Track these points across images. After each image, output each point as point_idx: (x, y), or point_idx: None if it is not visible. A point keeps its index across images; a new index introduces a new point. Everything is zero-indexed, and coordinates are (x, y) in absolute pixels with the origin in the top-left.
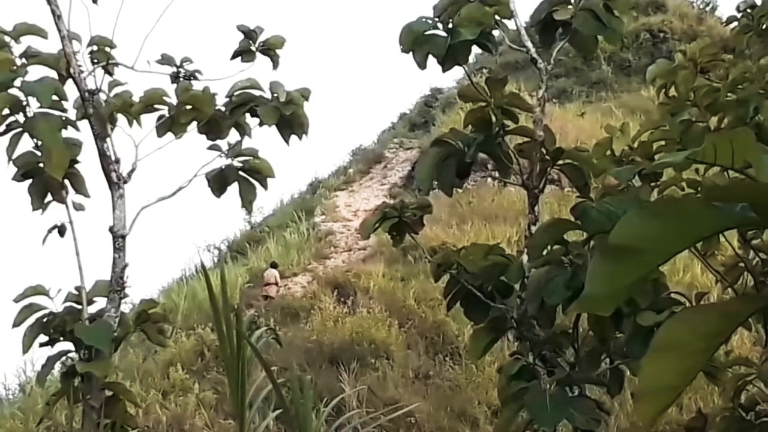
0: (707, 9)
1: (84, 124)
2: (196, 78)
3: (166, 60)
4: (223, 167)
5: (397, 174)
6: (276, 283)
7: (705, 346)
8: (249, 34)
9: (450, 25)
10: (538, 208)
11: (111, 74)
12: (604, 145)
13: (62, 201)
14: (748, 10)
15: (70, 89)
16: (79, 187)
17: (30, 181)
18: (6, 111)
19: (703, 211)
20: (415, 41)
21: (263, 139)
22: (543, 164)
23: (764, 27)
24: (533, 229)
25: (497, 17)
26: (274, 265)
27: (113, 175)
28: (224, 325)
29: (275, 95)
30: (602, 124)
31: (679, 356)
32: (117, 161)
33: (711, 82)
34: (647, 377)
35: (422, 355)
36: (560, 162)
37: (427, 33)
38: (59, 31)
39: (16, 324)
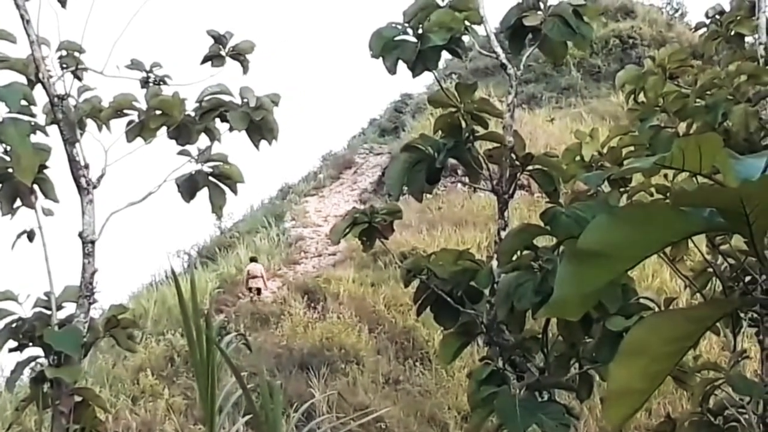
0: (676, 15)
1: (53, 129)
2: (165, 83)
3: (135, 65)
4: (193, 172)
5: (368, 179)
6: (262, 276)
7: (673, 351)
8: (219, 39)
9: (420, 31)
10: (508, 214)
11: (80, 79)
12: (574, 150)
13: (31, 206)
14: (717, 17)
15: (39, 94)
16: (48, 193)
17: None
18: None
19: (671, 217)
20: (385, 46)
21: (233, 144)
22: (512, 170)
23: (732, 33)
24: (503, 234)
25: (467, 23)
26: (254, 260)
27: (82, 180)
28: (194, 330)
29: (245, 100)
30: (572, 130)
31: (646, 361)
32: (86, 166)
33: (680, 88)
34: (615, 381)
35: (392, 360)
36: (530, 167)
37: (396, 38)
38: (28, 35)
39: None
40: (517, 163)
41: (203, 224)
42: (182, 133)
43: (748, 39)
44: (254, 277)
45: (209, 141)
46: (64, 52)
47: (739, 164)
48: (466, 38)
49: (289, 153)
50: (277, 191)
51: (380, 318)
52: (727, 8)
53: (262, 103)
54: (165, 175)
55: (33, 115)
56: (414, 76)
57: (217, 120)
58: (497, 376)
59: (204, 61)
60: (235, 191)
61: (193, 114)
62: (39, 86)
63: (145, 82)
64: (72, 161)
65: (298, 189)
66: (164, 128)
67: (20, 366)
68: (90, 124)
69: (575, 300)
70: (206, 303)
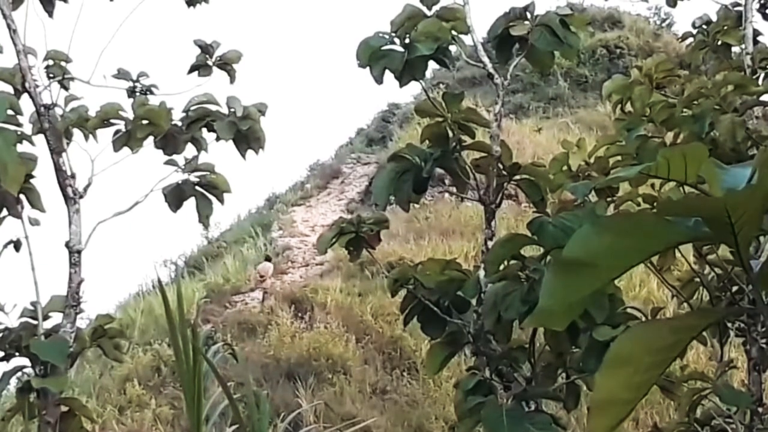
0: (663, 25)
1: (39, 139)
2: (152, 92)
3: (122, 74)
4: (180, 182)
5: (355, 189)
6: (270, 278)
7: (658, 361)
8: (205, 49)
9: (407, 40)
10: (495, 223)
11: (67, 89)
12: (561, 160)
13: (18, 216)
14: (704, 26)
15: (26, 104)
16: (35, 202)
17: None
18: None
19: (656, 226)
20: (372, 56)
21: (220, 154)
22: (500, 179)
23: (719, 43)
24: (490, 244)
25: (454, 32)
26: (268, 259)
27: (69, 189)
28: (180, 340)
29: (232, 110)
30: (559, 140)
31: (631, 371)
32: (73, 176)
33: (667, 98)
34: (600, 391)
35: (379, 370)
36: (517, 177)
37: (383, 48)
38: (15, 45)
39: None
40: (504, 172)
41: (190, 234)
42: (169, 142)
43: (735, 49)
44: (263, 277)
45: (196, 151)
46: (50, 62)
47: (725, 174)
48: (453, 48)
49: (277, 163)
50: (265, 201)
51: (367, 328)
52: (714, 18)
53: (249, 113)
54: (152, 184)
55: (19, 125)
56: (401, 85)
57: (204, 129)
58: (484, 386)
59: (191, 70)
60: (222, 201)
61: (180, 124)
62: (25, 96)
63: (131, 92)
64: (58, 171)
65: (285, 199)
66: (151, 138)
67: (6, 376)
68: (77, 133)
69: (560, 309)
70: (193, 313)
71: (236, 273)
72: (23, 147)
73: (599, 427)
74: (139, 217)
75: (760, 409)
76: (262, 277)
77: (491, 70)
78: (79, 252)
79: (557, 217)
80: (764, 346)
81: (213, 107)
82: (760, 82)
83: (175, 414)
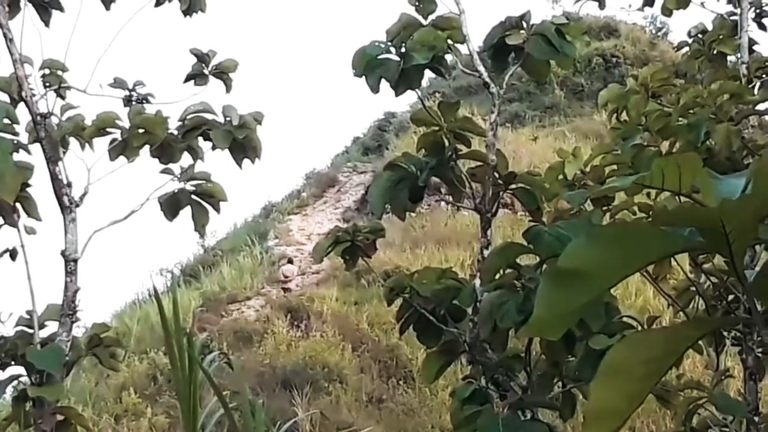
0: (659, 34)
1: (36, 148)
2: (148, 101)
3: (118, 83)
4: (176, 191)
5: (351, 198)
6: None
7: (652, 370)
8: (202, 58)
9: (403, 49)
10: (491, 232)
11: (63, 98)
12: (557, 169)
13: (14, 225)
14: (699, 36)
15: (22, 113)
16: (31, 211)
17: None
18: None
19: (650, 236)
20: (368, 65)
21: (216, 162)
22: (496, 188)
23: (715, 52)
24: (486, 252)
25: (450, 41)
26: (291, 261)
27: (65, 198)
28: (176, 349)
29: (228, 119)
30: (555, 149)
31: (626, 380)
32: (69, 185)
33: (662, 107)
34: (595, 401)
35: (375, 378)
36: (513, 186)
37: (379, 57)
38: (11, 54)
39: None
40: (500, 181)
41: (186, 243)
42: (165, 151)
43: (731, 58)
44: (287, 277)
45: (192, 159)
46: (47, 71)
47: (719, 183)
48: (449, 57)
49: (273, 171)
50: (261, 209)
51: (363, 336)
52: (710, 27)
53: (245, 122)
54: (148, 193)
55: (16, 134)
56: (397, 95)
57: (200, 138)
58: (480, 395)
59: (187, 79)
60: (218, 209)
61: (176, 132)
62: (22, 104)
63: (128, 101)
64: (55, 180)
65: (281, 207)
66: (147, 147)
67: (2, 385)
68: (73, 142)
69: (555, 319)
70: (189, 321)
71: (232, 281)
72: (19, 156)
73: None
74: (135, 226)
75: (756, 418)
76: (287, 277)
77: (487, 79)
78: (75, 261)
79: (553, 225)
80: (760, 355)
81: (209, 116)
82: (755, 91)
83: (170, 423)
